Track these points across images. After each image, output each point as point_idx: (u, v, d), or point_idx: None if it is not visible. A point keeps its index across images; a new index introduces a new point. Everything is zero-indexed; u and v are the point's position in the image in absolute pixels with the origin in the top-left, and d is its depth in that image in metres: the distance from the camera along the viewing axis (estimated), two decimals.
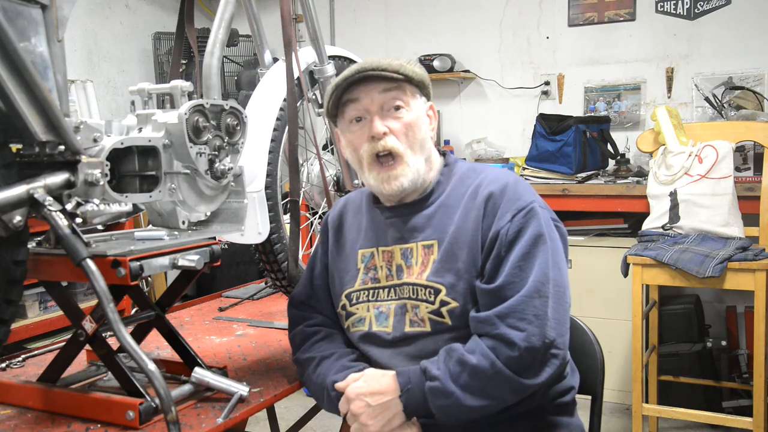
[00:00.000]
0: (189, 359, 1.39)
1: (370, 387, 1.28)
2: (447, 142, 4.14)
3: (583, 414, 1.43)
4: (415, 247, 1.35)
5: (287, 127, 1.55)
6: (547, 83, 3.96)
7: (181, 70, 2.95)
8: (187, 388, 1.31)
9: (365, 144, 1.34)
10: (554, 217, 1.35)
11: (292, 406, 3.14)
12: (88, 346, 1.29)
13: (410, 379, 1.26)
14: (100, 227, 1.25)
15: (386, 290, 1.37)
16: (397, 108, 1.33)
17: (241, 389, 1.29)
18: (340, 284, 1.44)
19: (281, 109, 1.57)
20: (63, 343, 1.35)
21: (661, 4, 3.68)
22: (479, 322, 1.25)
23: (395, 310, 1.35)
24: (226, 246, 1.56)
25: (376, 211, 1.43)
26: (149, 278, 3.52)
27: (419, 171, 1.34)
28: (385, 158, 1.33)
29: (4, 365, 1.53)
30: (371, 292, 1.39)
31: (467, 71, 4.09)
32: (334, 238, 1.50)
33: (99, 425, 1.21)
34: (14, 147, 1.14)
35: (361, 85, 1.33)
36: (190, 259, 1.26)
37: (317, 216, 1.88)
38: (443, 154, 1.45)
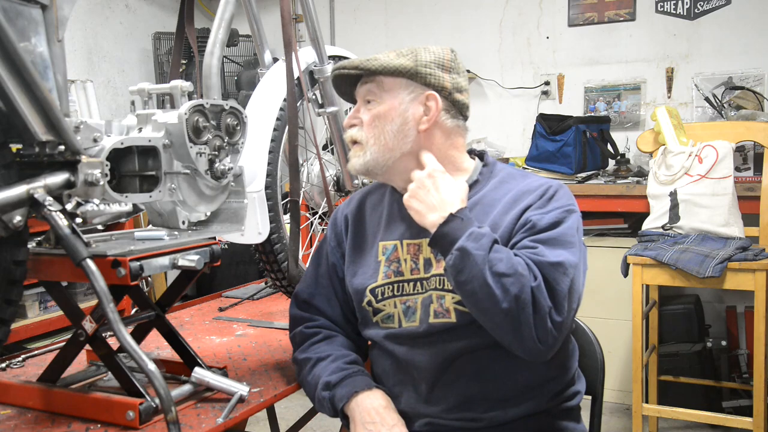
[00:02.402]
0: (189, 359, 1.39)
1: None
2: None
3: (583, 414, 1.43)
4: None
5: (287, 127, 1.55)
6: (547, 83, 3.96)
7: (181, 70, 2.95)
8: (187, 388, 1.31)
9: None
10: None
11: (292, 406, 3.14)
12: (88, 346, 1.29)
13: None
14: (100, 227, 1.25)
15: (411, 284, 1.36)
16: (369, 101, 1.38)
17: (241, 389, 1.29)
18: (361, 279, 1.41)
19: (281, 109, 1.57)
20: (63, 343, 1.35)
21: (661, 4, 3.68)
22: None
23: (422, 302, 1.33)
24: (226, 246, 1.56)
25: (403, 203, 1.40)
26: (149, 278, 3.52)
27: (378, 160, 1.36)
28: (352, 144, 1.41)
29: (4, 365, 1.53)
30: (396, 286, 1.37)
31: (467, 71, 4.07)
32: (354, 231, 1.47)
33: (99, 425, 1.21)
34: (14, 147, 1.14)
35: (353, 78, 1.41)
36: (190, 259, 1.26)
37: (317, 216, 1.88)
38: (481, 154, 1.46)
